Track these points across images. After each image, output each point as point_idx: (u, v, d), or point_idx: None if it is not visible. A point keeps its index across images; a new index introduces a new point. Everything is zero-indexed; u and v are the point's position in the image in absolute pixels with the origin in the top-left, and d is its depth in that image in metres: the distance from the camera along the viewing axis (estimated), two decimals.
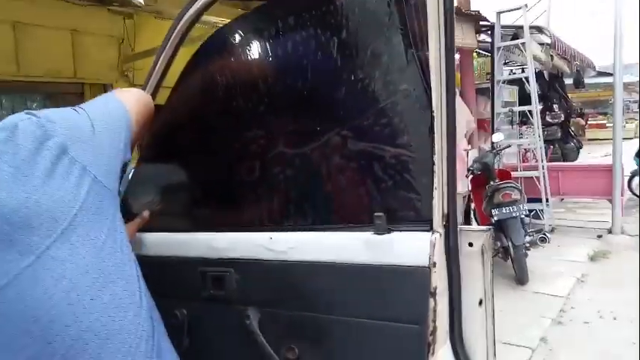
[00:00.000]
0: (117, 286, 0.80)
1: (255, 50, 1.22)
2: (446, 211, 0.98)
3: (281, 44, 1.19)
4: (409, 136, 1.01)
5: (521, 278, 5.00)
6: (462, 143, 7.34)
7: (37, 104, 5.61)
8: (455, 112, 0.90)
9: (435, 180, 0.93)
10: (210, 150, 1.34)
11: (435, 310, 0.97)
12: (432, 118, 0.90)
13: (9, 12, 4.75)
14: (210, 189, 1.39)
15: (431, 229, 0.98)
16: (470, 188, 6.18)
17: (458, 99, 7.41)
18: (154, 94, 1.33)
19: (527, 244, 5.17)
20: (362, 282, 1.06)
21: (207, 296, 1.25)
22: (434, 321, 0.97)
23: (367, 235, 1.04)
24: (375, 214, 1.04)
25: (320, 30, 1.10)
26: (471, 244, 1.01)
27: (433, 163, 0.93)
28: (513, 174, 6.69)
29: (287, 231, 1.18)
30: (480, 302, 1.04)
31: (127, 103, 0.98)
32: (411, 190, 0.99)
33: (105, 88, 6.48)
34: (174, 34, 1.23)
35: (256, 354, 1.16)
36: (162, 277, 1.10)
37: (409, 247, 0.98)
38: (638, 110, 29.28)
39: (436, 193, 0.95)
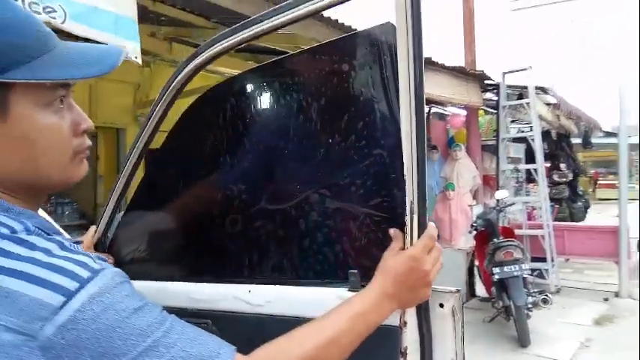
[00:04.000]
0: None
1: (241, 111, 1.28)
2: None
3: (264, 106, 1.25)
4: (382, 198, 1.05)
5: (523, 340, 4.89)
6: (466, 199, 7.38)
7: None
8: (425, 176, 0.93)
9: (407, 240, 0.96)
10: (194, 203, 1.38)
11: None
12: (404, 181, 0.94)
13: None
14: (192, 240, 1.42)
15: None
16: (473, 245, 6.15)
17: (464, 154, 7.53)
18: (149, 139, 1.39)
19: (530, 305, 5.08)
20: None
21: None
22: None
23: (342, 292, 1.06)
24: (350, 271, 1.06)
25: (301, 95, 1.16)
26: (441, 305, 1.01)
27: (404, 225, 0.95)
28: (518, 232, 6.67)
29: (265, 284, 1.20)
30: None
31: None
32: (384, 250, 1.01)
33: (118, 132, 6.66)
34: (171, 86, 1.29)
35: None
36: None
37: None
38: None
39: None
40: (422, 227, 0.94)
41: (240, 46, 1.14)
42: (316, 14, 1.00)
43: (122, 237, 1.53)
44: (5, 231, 0.65)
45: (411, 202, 0.92)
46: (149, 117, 1.37)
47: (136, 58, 2.56)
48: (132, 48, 2.53)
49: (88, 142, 0.81)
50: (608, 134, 14.87)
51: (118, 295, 0.63)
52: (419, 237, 0.95)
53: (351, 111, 1.07)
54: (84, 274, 0.61)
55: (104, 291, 0.61)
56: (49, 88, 0.71)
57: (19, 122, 0.68)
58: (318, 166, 1.13)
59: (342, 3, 0.93)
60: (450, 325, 1.03)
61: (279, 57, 1.21)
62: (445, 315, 1.02)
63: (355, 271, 1.05)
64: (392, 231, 0.97)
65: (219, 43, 1.16)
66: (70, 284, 0.60)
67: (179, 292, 1.28)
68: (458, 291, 1.01)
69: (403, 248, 0.95)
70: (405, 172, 0.93)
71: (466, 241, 6.39)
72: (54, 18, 2.01)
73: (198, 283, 1.27)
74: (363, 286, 1.04)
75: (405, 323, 0.98)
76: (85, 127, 0.78)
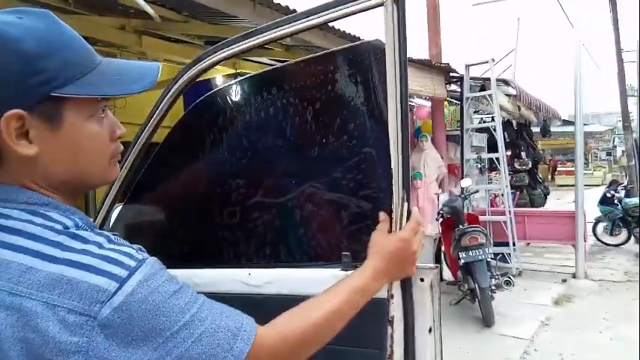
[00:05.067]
0: None
1: (240, 115, 1.41)
2: None
3: (265, 110, 1.38)
4: (371, 188, 1.21)
5: (487, 320, 5.17)
6: (432, 187, 7.63)
7: None
8: (409, 170, 1.09)
9: (393, 225, 1.12)
10: (198, 194, 1.51)
11: (392, 337, 1.14)
12: (391, 175, 1.09)
13: None
14: (196, 228, 1.54)
15: None
16: (440, 231, 6.40)
17: (429, 145, 7.76)
18: (151, 135, 1.50)
19: (493, 287, 5.37)
20: None
21: None
22: (391, 346, 1.14)
23: (335, 271, 1.22)
24: (343, 253, 1.22)
25: (296, 100, 1.30)
26: (422, 280, 1.18)
27: (392, 211, 1.11)
28: (482, 218, 6.96)
29: (264, 268, 1.34)
30: (430, 330, 1.21)
31: None
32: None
33: None
34: (174, 88, 1.41)
35: None
36: None
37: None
38: (605, 158, 30.52)
39: None
40: (409, 213, 1.10)
41: (242, 54, 1.27)
42: (314, 28, 1.14)
43: (122, 228, 1.64)
44: (59, 227, 0.77)
45: (400, 192, 1.08)
46: (151, 114, 1.47)
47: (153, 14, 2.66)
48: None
49: (121, 147, 0.93)
50: (566, 122, 15.45)
51: (160, 279, 0.76)
52: (404, 221, 1.11)
53: (344, 113, 1.22)
54: (131, 263, 0.74)
55: (148, 277, 0.74)
56: (95, 100, 0.83)
57: (70, 131, 0.79)
58: (314, 163, 1.27)
59: (337, 20, 1.07)
60: (428, 296, 1.20)
61: (280, 65, 1.34)
62: (425, 288, 1.19)
63: (348, 253, 1.21)
64: (381, 214, 1.13)
65: (221, 51, 1.29)
66: (121, 272, 0.72)
67: (182, 277, 1.41)
68: (437, 267, 1.18)
69: (390, 230, 1.11)
70: (393, 166, 1.08)
71: (433, 228, 6.64)
72: None
73: (200, 269, 1.40)
74: (355, 266, 1.20)
75: (392, 296, 1.15)
76: (120, 134, 0.90)
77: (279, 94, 1.33)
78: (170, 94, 1.41)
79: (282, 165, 1.36)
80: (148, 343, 0.72)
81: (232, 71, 6.66)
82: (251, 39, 1.23)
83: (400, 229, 1.11)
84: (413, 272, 1.13)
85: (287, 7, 4.14)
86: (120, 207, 1.70)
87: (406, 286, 1.16)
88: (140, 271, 0.73)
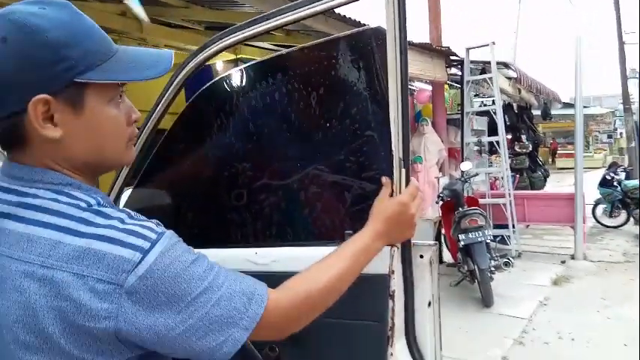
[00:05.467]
0: None
1: (245, 101, 1.46)
2: None
3: (270, 96, 1.43)
4: (374, 170, 1.26)
5: (486, 301, 5.25)
6: (433, 171, 7.68)
7: None
8: (409, 153, 1.14)
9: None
10: (206, 178, 1.56)
11: (393, 310, 1.20)
12: (392, 156, 1.15)
13: None
14: (203, 211, 1.60)
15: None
16: (440, 214, 6.47)
17: (430, 129, 7.79)
18: (158, 122, 1.56)
19: (493, 268, 5.44)
20: None
21: None
22: (392, 318, 1.20)
23: None
24: (346, 231, 1.27)
25: (300, 86, 1.35)
26: (421, 256, 1.24)
27: (393, 191, 1.17)
28: (482, 201, 7.02)
29: (270, 247, 1.40)
30: (429, 304, 1.27)
31: None
32: None
33: None
34: (181, 74, 1.45)
35: (241, 352, 1.37)
36: None
37: (374, 258, 1.21)
38: (606, 141, 30.54)
39: None
40: (407, 178, 1.15)
41: (246, 41, 1.32)
42: (318, 14, 1.18)
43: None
44: (83, 204, 0.83)
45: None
46: (159, 100, 1.53)
47: (143, 17, 2.72)
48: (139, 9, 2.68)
49: (136, 130, 0.98)
50: (567, 105, 15.44)
51: (179, 250, 0.82)
52: (406, 186, 1.17)
53: (346, 98, 1.27)
54: (152, 235, 0.80)
55: (168, 248, 0.81)
56: (114, 86, 0.88)
57: (91, 115, 0.85)
58: (319, 146, 1.33)
59: (341, 6, 1.11)
60: (428, 272, 1.26)
61: (284, 51, 1.39)
62: (424, 264, 1.25)
63: (351, 232, 1.27)
64: (384, 178, 1.17)
65: (227, 37, 1.33)
66: (144, 244, 0.78)
67: None
68: (435, 244, 1.24)
69: (391, 195, 1.16)
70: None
71: (433, 211, 6.71)
72: None
73: (208, 249, 1.46)
74: None
75: (393, 271, 1.21)
76: (135, 118, 0.96)
77: (283, 80, 1.38)
78: (178, 80, 1.46)
79: (287, 149, 1.41)
80: (171, 307, 0.78)
81: (233, 57, 6.67)
82: (256, 26, 1.27)
83: (400, 193, 1.16)
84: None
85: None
86: (129, 190, 1.75)
87: (406, 262, 1.22)
88: (160, 243, 0.80)
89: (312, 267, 1.01)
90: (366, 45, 1.22)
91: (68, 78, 0.80)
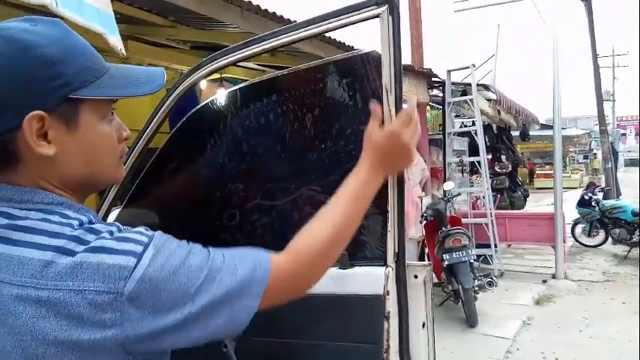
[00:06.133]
0: None
1: (238, 122, 1.46)
2: (397, 249, 1.22)
3: (264, 117, 1.43)
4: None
5: (471, 320, 5.26)
6: (416, 191, 7.72)
7: None
8: (403, 174, 1.15)
9: (389, 225, 1.17)
10: (196, 199, 1.55)
11: (388, 331, 1.20)
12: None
13: None
14: (194, 232, 1.58)
15: (385, 264, 1.21)
16: (424, 233, 6.49)
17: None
18: (150, 140, 1.54)
19: (476, 288, 5.46)
20: (328, 309, 1.27)
21: None
22: (387, 340, 1.20)
23: (333, 270, 1.27)
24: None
25: (295, 107, 1.36)
26: (416, 277, 1.24)
27: (387, 212, 1.17)
28: (464, 221, 7.07)
29: None
30: (423, 325, 1.27)
31: None
32: (369, 233, 1.23)
33: None
34: (174, 93, 1.45)
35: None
36: None
37: (367, 279, 1.20)
38: (582, 161, 31.12)
39: (389, 235, 1.19)
40: (398, 104, 1.12)
41: (241, 62, 1.32)
42: (315, 37, 1.19)
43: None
44: (76, 223, 0.81)
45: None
46: (151, 119, 1.51)
47: (120, 49, 2.70)
48: (116, 41, 2.66)
49: (126, 148, 0.97)
50: (544, 126, 15.74)
51: (172, 246, 0.81)
52: (398, 220, 1.17)
53: (341, 120, 1.28)
54: (143, 239, 0.79)
55: (161, 247, 0.79)
56: (107, 103, 0.88)
57: (85, 131, 0.84)
58: (312, 167, 1.33)
59: (336, 29, 1.12)
60: (422, 292, 1.26)
61: (280, 73, 1.39)
62: (418, 285, 1.25)
63: (345, 252, 1.26)
64: (372, 105, 1.10)
65: (222, 58, 1.34)
66: (136, 248, 0.77)
67: None
68: (430, 264, 1.24)
69: (382, 123, 1.10)
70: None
71: (417, 231, 6.73)
72: (49, 3, 2.10)
73: None
74: (352, 264, 1.25)
75: (388, 292, 1.20)
76: (126, 135, 0.95)
77: (278, 101, 1.38)
78: (171, 99, 1.45)
79: (280, 169, 1.41)
80: (176, 304, 0.77)
81: (217, 76, 6.67)
82: (251, 47, 1.27)
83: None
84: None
85: (274, 13, 4.18)
86: (117, 210, 1.73)
87: (400, 282, 1.22)
88: (152, 244, 0.78)
89: (316, 218, 0.99)
90: (361, 67, 1.23)
91: (63, 94, 0.79)
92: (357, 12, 1.08)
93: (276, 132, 1.39)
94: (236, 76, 5.96)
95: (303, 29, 1.16)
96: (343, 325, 1.22)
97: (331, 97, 1.31)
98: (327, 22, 1.11)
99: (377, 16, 1.07)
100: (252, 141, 1.43)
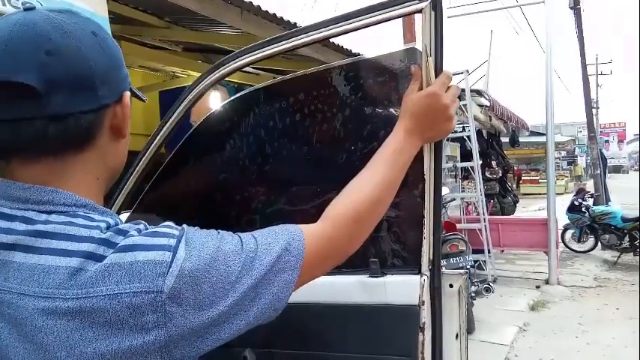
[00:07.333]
0: None
1: (258, 124, 1.40)
2: (431, 256, 1.16)
3: (289, 118, 1.37)
4: (399, 196, 1.20)
5: (468, 327, 5.20)
6: None
7: None
8: (440, 178, 1.09)
9: (425, 230, 1.12)
10: (210, 203, 1.48)
11: (423, 343, 1.14)
12: (423, 183, 1.10)
13: None
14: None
15: (419, 272, 1.15)
16: None
17: None
18: (162, 144, 1.48)
19: (473, 294, 5.43)
20: (357, 320, 1.21)
21: None
22: (422, 352, 1.14)
23: (363, 278, 1.21)
24: (370, 259, 1.21)
25: (321, 107, 1.30)
26: (451, 285, 1.18)
27: (423, 217, 1.11)
28: (458, 226, 7.06)
29: None
30: (457, 336, 1.21)
31: None
32: (404, 240, 1.17)
33: None
34: (190, 95, 1.38)
35: None
36: None
37: (400, 288, 1.14)
38: (566, 168, 31.47)
39: (425, 242, 1.13)
40: (439, 69, 1.05)
41: (258, 62, 1.26)
42: (331, 38, 1.13)
43: None
44: (104, 225, 0.74)
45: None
46: (164, 122, 1.45)
47: None
48: None
49: None
50: (533, 133, 15.87)
51: (202, 236, 0.75)
52: (434, 226, 1.11)
53: (374, 121, 1.22)
54: (174, 232, 0.73)
55: (192, 238, 0.73)
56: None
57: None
58: (343, 169, 1.26)
59: (375, 25, 1.06)
60: (456, 302, 1.20)
61: (323, 67, 1.33)
62: (454, 294, 1.19)
63: (376, 259, 1.20)
64: (412, 68, 1.06)
65: (240, 58, 1.27)
66: (169, 242, 0.71)
67: None
68: (466, 272, 1.18)
69: (421, 88, 1.04)
70: (425, 174, 1.08)
71: None
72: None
73: None
74: (383, 273, 1.19)
75: (423, 302, 1.14)
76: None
77: (307, 100, 1.32)
78: (186, 101, 1.38)
79: (308, 172, 1.35)
80: (219, 295, 0.72)
81: None
82: (273, 45, 1.21)
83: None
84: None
85: (274, 14, 4.13)
86: (126, 214, 1.66)
87: (435, 291, 1.16)
88: (184, 237, 0.73)
89: (351, 183, 0.97)
90: (399, 65, 1.17)
91: (127, 86, 0.82)
92: (398, 6, 1.03)
93: (303, 134, 1.32)
94: (235, 80, 5.88)
95: (338, 25, 1.10)
96: (374, 336, 1.16)
97: (363, 96, 1.25)
98: (366, 16, 1.05)
99: (419, 10, 1.02)
100: (275, 143, 1.36)
